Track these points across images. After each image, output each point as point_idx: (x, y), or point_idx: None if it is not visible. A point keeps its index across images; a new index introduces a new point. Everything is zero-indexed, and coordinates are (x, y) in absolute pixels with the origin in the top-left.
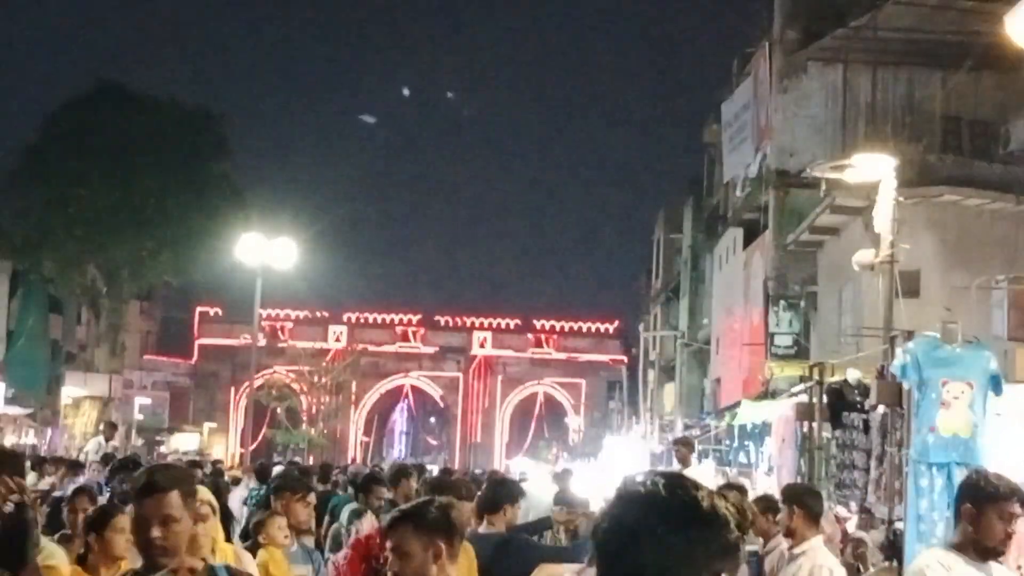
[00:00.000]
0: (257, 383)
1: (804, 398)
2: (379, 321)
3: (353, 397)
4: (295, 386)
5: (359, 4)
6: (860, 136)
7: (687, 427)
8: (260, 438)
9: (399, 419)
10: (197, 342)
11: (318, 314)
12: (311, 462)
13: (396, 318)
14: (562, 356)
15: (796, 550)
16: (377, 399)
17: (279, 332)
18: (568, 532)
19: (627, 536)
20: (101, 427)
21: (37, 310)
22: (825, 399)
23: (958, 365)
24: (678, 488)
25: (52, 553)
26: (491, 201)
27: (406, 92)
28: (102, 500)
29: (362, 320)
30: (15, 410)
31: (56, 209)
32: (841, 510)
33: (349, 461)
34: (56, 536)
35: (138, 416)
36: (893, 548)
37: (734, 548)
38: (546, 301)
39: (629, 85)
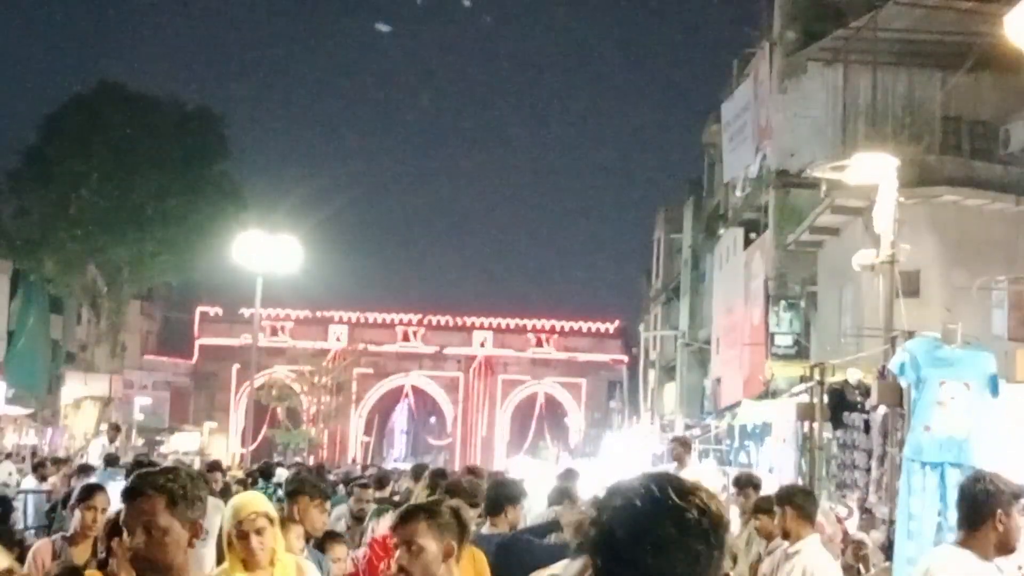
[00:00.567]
0: (257, 383)
1: (805, 398)
2: (379, 321)
3: (353, 397)
4: (295, 386)
5: (360, 6)
6: (860, 136)
7: (688, 427)
8: (260, 438)
9: (399, 419)
10: (197, 342)
11: (318, 314)
12: (311, 462)
13: (396, 318)
14: (563, 356)
15: (791, 549)
16: (377, 399)
17: (279, 332)
18: (578, 532)
19: (648, 544)
20: (103, 428)
21: (38, 310)
22: (826, 399)
23: (957, 366)
24: (690, 494)
25: None
26: (491, 201)
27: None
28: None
29: (362, 320)
30: (15, 410)
31: (57, 209)
32: (842, 510)
33: (350, 461)
34: (57, 535)
35: (138, 416)
36: (894, 548)
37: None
38: (546, 301)
39: (629, 85)
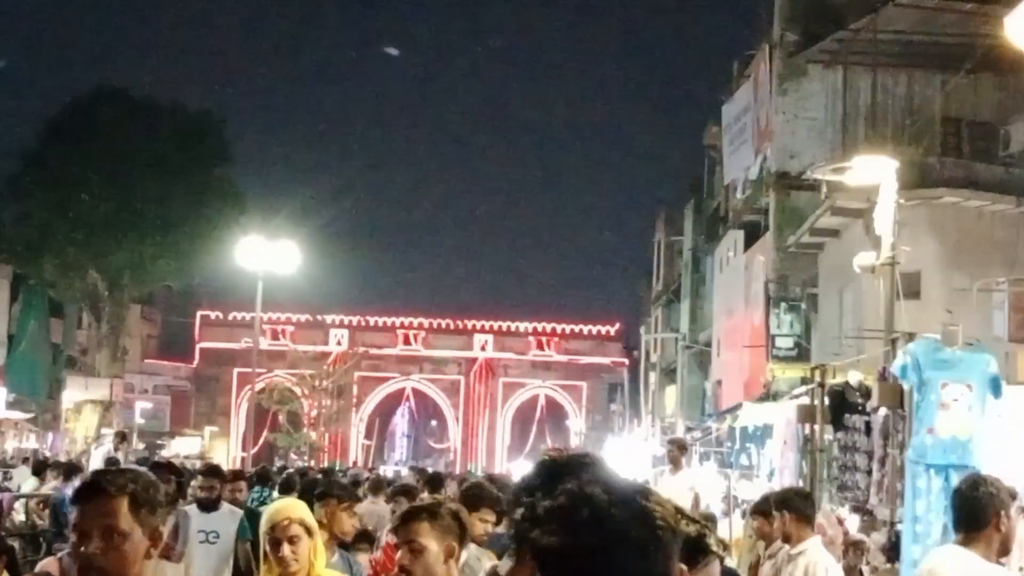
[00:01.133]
0: (258, 387)
1: (805, 400)
2: (380, 324)
3: (354, 400)
4: (296, 389)
5: (360, 8)
6: (860, 138)
7: (688, 429)
8: (261, 442)
9: (400, 422)
10: (198, 346)
11: (319, 317)
12: (312, 466)
13: (397, 321)
14: (563, 359)
15: (794, 551)
16: (378, 402)
17: (280, 335)
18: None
19: (591, 542)
20: (104, 432)
21: (38, 314)
22: (827, 401)
23: (958, 367)
24: (635, 493)
25: None
26: (492, 203)
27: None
28: None
29: (363, 323)
30: (16, 414)
31: (57, 213)
32: (843, 512)
33: (350, 464)
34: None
35: (139, 420)
36: (895, 550)
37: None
38: (547, 304)
39: (629, 87)
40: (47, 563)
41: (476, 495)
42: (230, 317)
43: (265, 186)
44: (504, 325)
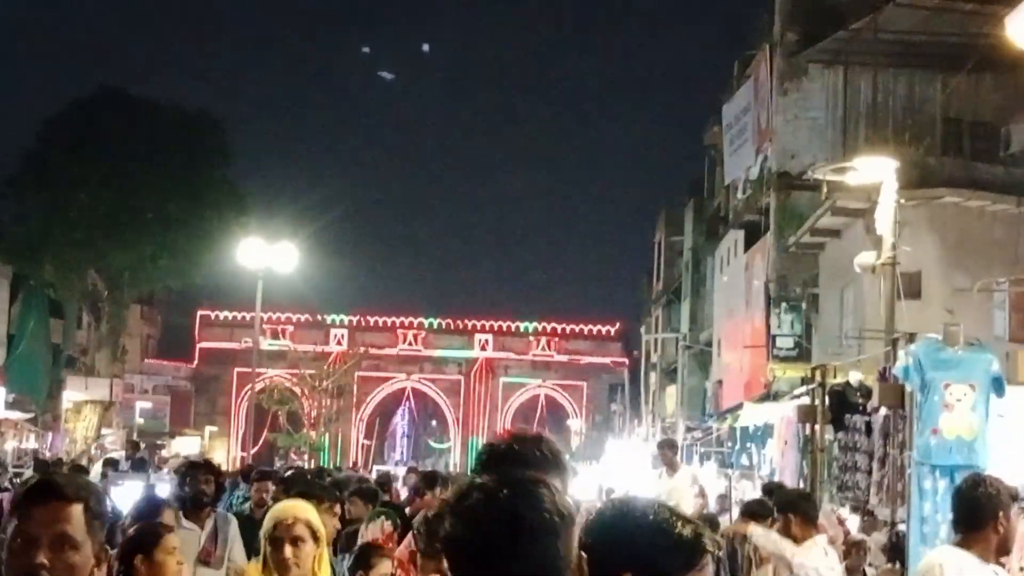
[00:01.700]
0: (258, 386)
1: (806, 400)
2: (380, 324)
3: (354, 400)
4: (296, 389)
5: (361, 10)
6: (861, 138)
7: (689, 429)
8: (262, 442)
9: (400, 422)
10: (198, 346)
11: (319, 317)
12: (311, 466)
13: (397, 321)
14: (563, 358)
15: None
16: (378, 402)
17: (280, 335)
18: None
19: (500, 537)
20: (104, 433)
21: (38, 314)
22: (827, 401)
23: (960, 367)
24: (539, 490)
25: None
26: (492, 204)
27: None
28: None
29: (363, 323)
30: (16, 415)
31: (57, 213)
32: (844, 512)
33: (350, 464)
34: None
35: (139, 420)
36: (896, 550)
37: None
38: (547, 303)
39: (630, 87)
40: None
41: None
42: (230, 317)
43: (265, 186)
44: (504, 325)
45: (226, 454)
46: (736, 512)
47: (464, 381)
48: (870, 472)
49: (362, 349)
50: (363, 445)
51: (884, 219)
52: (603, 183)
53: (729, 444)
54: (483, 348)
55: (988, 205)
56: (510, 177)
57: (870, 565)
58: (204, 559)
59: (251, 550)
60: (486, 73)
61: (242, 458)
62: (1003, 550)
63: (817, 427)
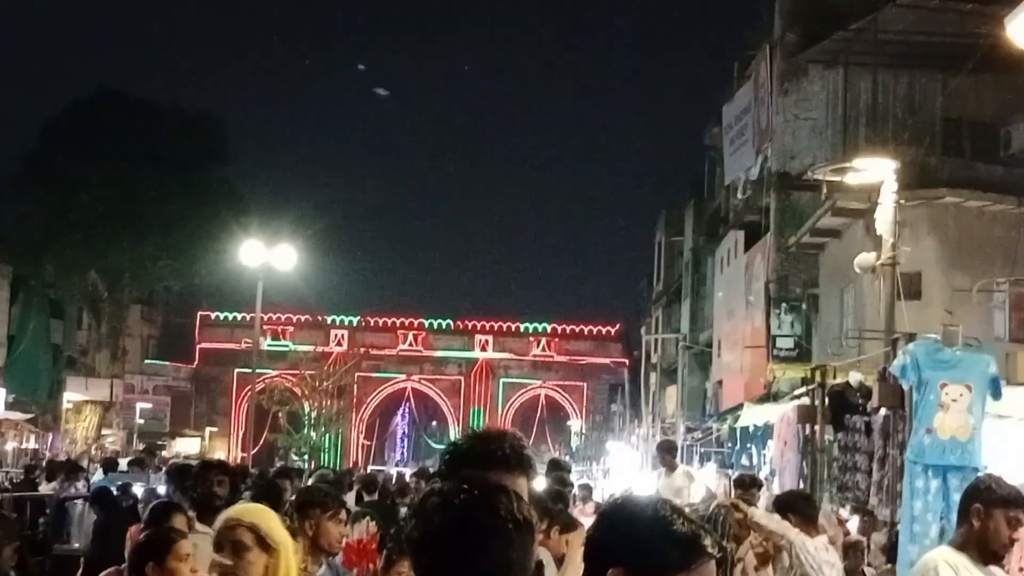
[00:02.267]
0: (259, 387)
1: (806, 400)
2: (380, 324)
3: (354, 401)
4: (296, 390)
5: (361, 11)
6: (861, 138)
7: (689, 430)
8: (262, 442)
9: (400, 423)
10: (198, 346)
11: (319, 318)
12: (312, 466)
13: (397, 321)
14: (564, 359)
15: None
16: (378, 403)
17: (280, 336)
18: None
19: (465, 540)
20: (105, 433)
21: (38, 315)
22: (827, 401)
23: (958, 368)
24: (500, 496)
25: None
26: (492, 204)
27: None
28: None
29: (363, 323)
30: (16, 415)
31: (57, 214)
32: (844, 512)
33: (351, 465)
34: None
35: (139, 421)
36: (896, 550)
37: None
38: (547, 304)
39: (630, 87)
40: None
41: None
42: (230, 317)
43: (265, 186)
44: (504, 325)
45: (226, 455)
46: None
47: (464, 381)
48: (870, 473)
49: (362, 350)
50: (363, 445)
51: (884, 219)
52: (603, 184)
53: (729, 444)
54: (483, 348)
55: (988, 205)
56: (510, 178)
57: (869, 565)
58: None
59: None
60: (486, 73)
61: (242, 458)
62: (986, 550)
63: (817, 427)
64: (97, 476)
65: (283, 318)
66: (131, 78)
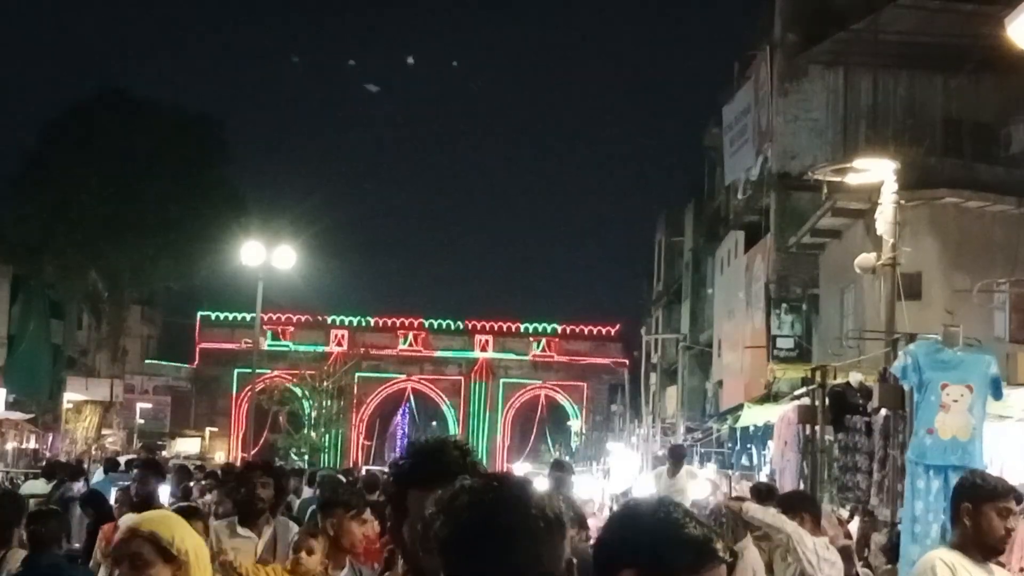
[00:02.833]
0: (259, 387)
1: (806, 401)
2: (380, 324)
3: (354, 401)
4: (297, 390)
5: (361, 11)
6: (861, 139)
7: (689, 430)
8: (262, 442)
9: (400, 423)
10: (199, 346)
11: (319, 318)
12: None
13: (397, 321)
14: (564, 359)
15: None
16: (378, 403)
17: (280, 336)
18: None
19: (496, 536)
20: (105, 433)
21: (38, 315)
22: (827, 402)
23: (959, 368)
24: (531, 492)
25: None
26: (493, 205)
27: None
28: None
29: (363, 323)
30: (16, 415)
31: (57, 214)
32: (844, 513)
33: (350, 464)
34: None
35: (139, 421)
36: (896, 550)
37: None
38: (547, 304)
39: (630, 88)
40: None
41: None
42: (230, 318)
43: (265, 187)
44: (504, 325)
45: (226, 455)
46: None
47: (464, 382)
48: (870, 473)
49: (362, 350)
50: (363, 446)
51: (884, 220)
52: (603, 184)
53: (729, 445)
54: (483, 349)
55: (988, 206)
56: (511, 178)
57: (868, 566)
58: None
59: None
60: (486, 74)
61: (243, 458)
62: (982, 546)
63: (817, 428)
64: (98, 476)
65: (283, 318)
66: (131, 78)
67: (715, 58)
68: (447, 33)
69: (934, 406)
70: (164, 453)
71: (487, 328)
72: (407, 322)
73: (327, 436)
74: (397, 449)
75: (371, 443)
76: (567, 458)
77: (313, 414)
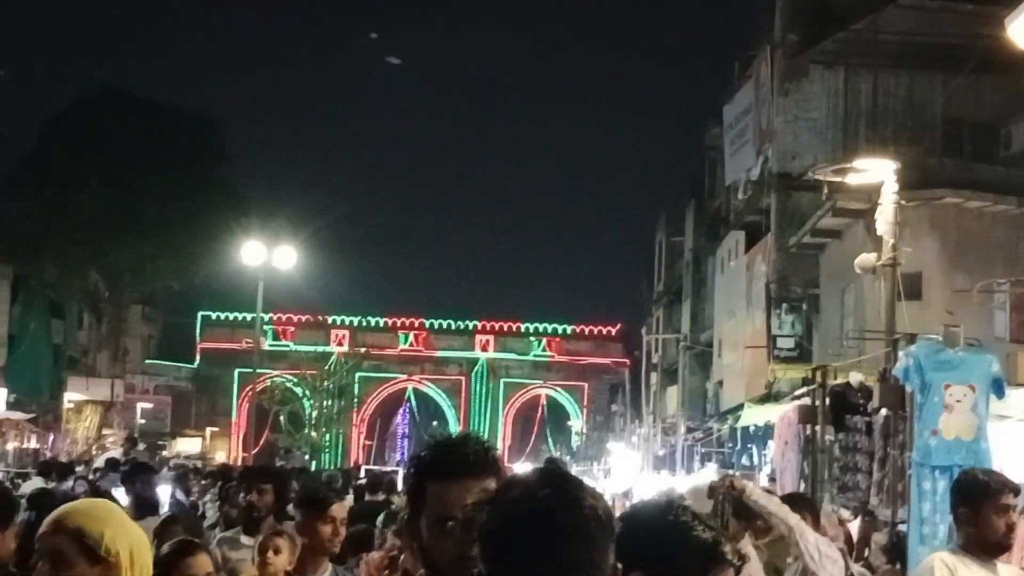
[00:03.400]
0: (259, 387)
1: (807, 401)
2: (381, 324)
3: (355, 401)
4: (297, 390)
5: (361, 12)
6: (861, 139)
7: (690, 430)
8: (263, 442)
9: (401, 423)
10: (199, 346)
11: (320, 317)
12: (312, 466)
13: (398, 321)
14: (564, 359)
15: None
16: (379, 403)
17: (281, 336)
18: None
19: (547, 531)
20: (105, 433)
21: (39, 315)
22: (828, 402)
23: (960, 368)
24: (584, 487)
25: None
26: (493, 205)
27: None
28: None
29: (364, 323)
30: (17, 415)
31: (58, 214)
32: (844, 513)
33: (351, 465)
34: None
35: (140, 421)
36: (896, 551)
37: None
38: (548, 304)
39: (630, 88)
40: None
41: None
42: (231, 317)
43: (265, 186)
44: (505, 325)
45: (227, 455)
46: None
47: (465, 381)
48: (871, 473)
49: (363, 350)
50: (364, 445)
51: (884, 220)
52: (604, 184)
53: (730, 445)
54: (484, 349)
55: (988, 206)
56: (511, 178)
57: (868, 566)
58: None
59: None
60: (486, 74)
61: (243, 458)
62: (986, 544)
63: (818, 428)
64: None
65: (284, 318)
66: (131, 77)
67: (715, 58)
68: (447, 34)
69: (938, 407)
70: (165, 453)
71: (488, 328)
72: (408, 322)
73: (328, 436)
74: (398, 449)
75: (372, 443)
76: (567, 457)
77: (314, 414)
